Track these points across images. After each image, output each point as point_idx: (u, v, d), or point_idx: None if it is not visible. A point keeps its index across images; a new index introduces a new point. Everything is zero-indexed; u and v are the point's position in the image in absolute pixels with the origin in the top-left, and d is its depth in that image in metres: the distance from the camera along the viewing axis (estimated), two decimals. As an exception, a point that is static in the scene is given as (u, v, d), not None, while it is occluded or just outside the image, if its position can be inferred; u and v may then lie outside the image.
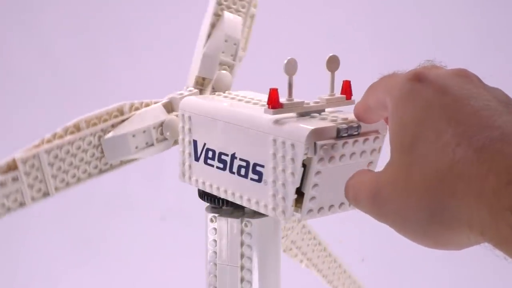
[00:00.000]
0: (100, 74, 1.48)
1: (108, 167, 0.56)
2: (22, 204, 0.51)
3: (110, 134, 0.54)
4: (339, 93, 0.48)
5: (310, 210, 0.47)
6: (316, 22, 1.47)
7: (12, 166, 0.51)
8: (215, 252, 0.55)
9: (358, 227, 1.32)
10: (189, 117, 0.53)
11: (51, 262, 1.31)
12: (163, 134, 0.56)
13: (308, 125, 0.45)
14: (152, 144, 0.55)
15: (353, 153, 0.46)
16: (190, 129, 0.53)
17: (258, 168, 0.48)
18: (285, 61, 0.45)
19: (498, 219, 0.31)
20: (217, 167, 0.51)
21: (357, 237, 1.31)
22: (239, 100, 0.54)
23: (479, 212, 0.32)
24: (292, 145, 0.45)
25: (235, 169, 0.50)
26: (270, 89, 0.46)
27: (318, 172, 0.45)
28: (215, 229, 0.55)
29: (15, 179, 0.50)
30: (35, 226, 1.39)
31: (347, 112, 0.47)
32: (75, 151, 0.53)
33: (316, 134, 0.44)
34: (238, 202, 0.51)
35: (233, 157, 0.50)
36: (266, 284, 0.55)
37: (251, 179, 0.49)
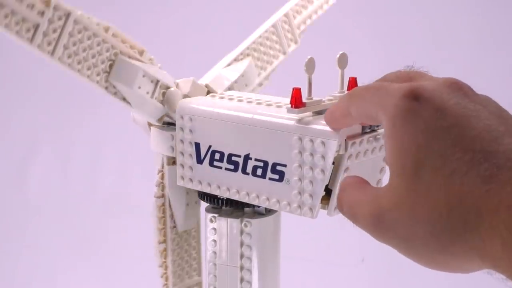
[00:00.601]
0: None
1: (105, 85, 0.53)
2: (28, 40, 0.48)
3: (125, 58, 0.52)
4: (346, 89, 0.49)
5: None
6: (316, 22, 1.46)
7: (46, 2, 0.48)
8: (215, 252, 0.55)
9: (358, 227, 1.32)
10: (190, 119, 0.52)
11: (51, 262, 1.31)
12: (162, 100, 0.54)
13: None
14: (151, 97, 0.53)
15: (374, 148, 0.48)
16: (191, 131, 0.53)
17: (278, 167, 0.49)
18: (306, 60, 0.46)
19: (511, 253, 0.30)
20: (227, 169, 0.51)
21: (357, 237, 1.31)
22: (239, 100, 0.53)
23: (492, 245, 0.31)
24: (323, 143, 0.46)
25: (249, 170, 0.50)
26: (294, 88, 0.46)
27: (346, 169, 0.47)
28: (214, 229, 0.55)
29: (40, 13, 0.47)
30: (35, 226, 1.39)
31: None
32: (94, 45, 0.51)
33: (346, 131, 0.46)
34: (254, 203, 0.51)
35: (247, 158, 0.50)
36: (265, 284, 0.55)
37: (270, 178, 0.49)
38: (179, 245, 0.58)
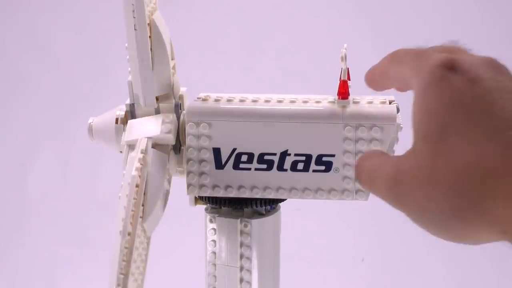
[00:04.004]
0: (100, 74, 1.48)
1: None
2: None
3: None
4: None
5: None
6: (316, 22, 1.47)
7: None
8: (214, 253, 0.55)
9: (358, 227, 1.32)
10: (208, 125, 0.50)
11: (51, 262, 1.31)
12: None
13: (390, 109, 0.50)
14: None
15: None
16: (209, 137, 0.51)
17: (325, 158, 0.50)
18: (343, 53, 0.49)
19: None
20: (257, 169, 0.51)
21: (357, 237, 1.31)
22: (254, 101, 0.52)
23: (506, 210, 0.31)
24: (381, 128, 0.49)
25: (287, 166, 0.50)
26: (341, 80, 0.49)
27: (393, 151, 0.49)
28: (214, 229, 0.55)
29: None
30: (35, 226, 1.39)
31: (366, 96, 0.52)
32: None
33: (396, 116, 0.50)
34: (295, 197, 0.51)
35: (284, 154, 0.50)
36: (265, 284, 0.55)
37: (314, 170, 0.50)
38: (140, 245, 0.48)
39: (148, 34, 0.49)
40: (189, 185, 0.52)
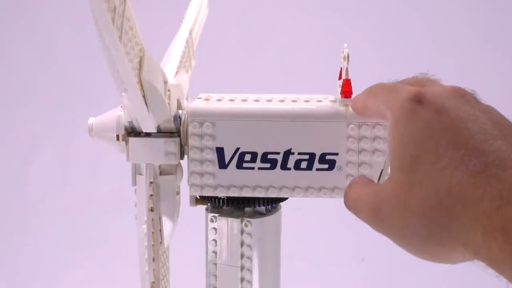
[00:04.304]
0: (100, 74, 1.48)
1: (137, 80, 0.48)
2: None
3: (149, 55, 0.48)
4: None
5: None
6: (316, 22, 1.47)
7: None
8: (215, 252, 0.55)
9: (358, 227, 1.32)
10: (212, 125, 0.50)
11: (51, 262, 1.31)
12: (168, 102, 0.51)
13: None
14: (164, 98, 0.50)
15: None
16: (212, 137, 0.51)
17: (328, 157, 0.50)
18: (346, 53, 0.50)
19: (490, 240, 0.32)
20: (261, 168, 0.51)
21: (357, 237, 1.31)
22: (256, 100, 0.52)
23: (474, 233, 0.33)
24: (384, 126, 0.49)
25: (290, 165, 0.51)
26: (344, 79, 0.50)
27: None
28: (215, 229, 0.55)
29: None
30: (35, 226, 1.39)
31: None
32: (132, 37, 0.46)
33: None
34: (298, 196, 0.51)
35: (287, 153, 0.50)
36: (266, 284, 0.55)
37: (318, 169, 0.51)
38: (164, 262, 0.56)
39: (141, 94, 0.47)
40: (192, 185, 0.52)
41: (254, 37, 1.49)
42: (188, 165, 0.52)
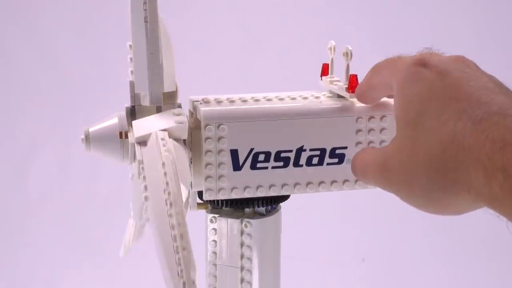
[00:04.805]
0: (100, 74, 1.48)
1: None
2: None
3: None
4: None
5: None
6: (317, 22, 1.47)
7: None
8: (215, 253, 0.55)
9: (358, 227, 1.32)
10: (225, 127, 0.50)
11: (51, 262, 1.31)
12: None
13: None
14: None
15: None
16: (226, 139, 0.50)
17: (338, 151, 0.52)
18: (347, 50, 0.52)
19: (491, 179, 0.34)
20: (274, 167, 0.51)
21: (357, 237, 1.31)
22: (268, 99, 0.53)
23: (476, 175, 0.35)
24: (391, 117, 0.51)
25: (302, 162, 0.52)
26: (351, 75, 0.51)
27: None
28: (215, 229, 0.55)
29: None
30: (35, 226, 1.39)
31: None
32: None
33: None
34: (311, 192, 0.52)
35: (300, 150, 0.51)
36: (266, 284, 0.55)
37: (328, 164, 0.52)
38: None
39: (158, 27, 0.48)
40: (207, 190, 0.51)
41: (253, 37, 1.49)
42: (203, 170, 0.51)
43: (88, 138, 0.51)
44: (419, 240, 1.32)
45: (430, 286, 1.27)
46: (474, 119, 0.36)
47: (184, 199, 0.44)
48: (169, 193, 0.42)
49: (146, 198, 0.44)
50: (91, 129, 0.52)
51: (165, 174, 0.43)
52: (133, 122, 0.49)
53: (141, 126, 0.48)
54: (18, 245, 1.35)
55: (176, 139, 0.48)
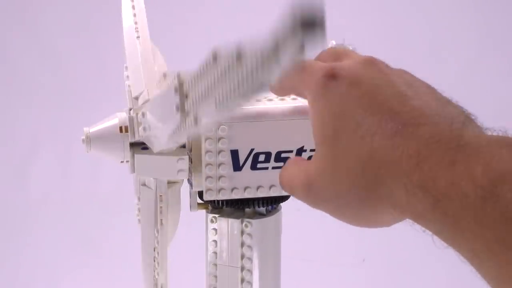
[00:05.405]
0: (101, 74, 1.48)
1: None
2: None
3: None
4: None
5: None
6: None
7: None
8: (215, 253, 0.55)
9: (358, 228, 1.32)
10: (227, 127, 0.50)
11: (52, 262, 1.32)
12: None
13: None
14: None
15: None
16: (227, 139, 0.50)
17: None
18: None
19: (412, 197, 0.34)
20: (275, 168, 0.51)
21: (358, 237, 1.31)
22: (269, 100, 0.52)
23: (398, 193, 0.35)
24: None
25: None
26: None
27: None
28: (215, 229, 0.55)
29: None
30: (36, 226, 1.39)
31: None
32: None
33: None
34: None
35: (300, 151, 0.51)
36: (266, 284, 0.55)
37: None
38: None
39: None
40: (207, 190, 0.51)
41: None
42: (203, 170, 0.51)
43: (88, 139, 0.52)
44: (419, 240, 1.32)
45: (431, 287, 1.27)
46: (389, 134, 0.35)
47: (169, 237, 0.53)
48: (157, 230, 0.51)
49: (138, 221, 0.54)
50: (91, 130, 0.52)
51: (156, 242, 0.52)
52: (136, 158, 0.51)
53: (143, 167, 0.51)
54: (19, 245, 1.35)
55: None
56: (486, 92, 1.33)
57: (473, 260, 0.33)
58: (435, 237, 0.34)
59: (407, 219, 0.36)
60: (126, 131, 0.51)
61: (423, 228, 0.35)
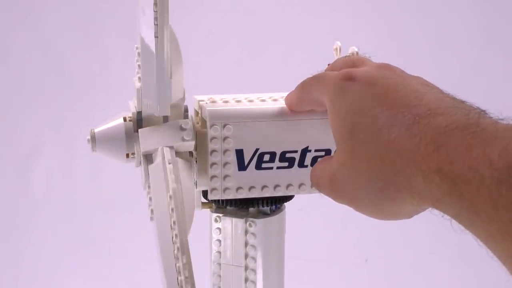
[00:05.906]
0: (104, 74, 1.48)
1: None
2: None
3: None
4: None
5: None
6: (322, 22, 1.47)
7: None
8: (219, 252, 0.55)
9: (361, 228, 1.32)
10: (232, 127, 0.50)
11: (55, 261, 1.32)
12: None
13: None
14: None
15: None
16: (232, 139, 0.50)
17: None
18: (353, 50, 0.52)
19: (430, 183, 0.34)
20: (279, 167, 0.51)
21: (360, 238, 1.31)
22: (274, 100, 0.53)
23: (415, 180, 0.35)
24: None
25: (307, 162, 0.52)
26: None
27: None
28: (219, 229, 0.55)
29: None
30: (38, 225, 1.39)
31: None
32: None
33: None
34: (316, 192, 0.51)
35: (305, 151, 0.51)
36: (270, 284, 0.56)
37: None
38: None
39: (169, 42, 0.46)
40: (212, 190, 0.51)
41: (259, 37, 1.49)
42: (208, 169, 0.51)
43: (94, 139, 0.52)
44: (422, 240, 1.32)
45: (433, 286, 1.27)
46: (407, 124, 0.36)
47: (189, 225, 0.46)
48: (174, 222, 0.43)
49: (151, 218, 0.49)
50: (96, 130, 0.52)
51: (172, 209, 0.44)
52: (140, 131, 0.50)
53: (148, 139, 0.49)
54: (21, 245, 1.36)
55: (182, 154, 0.50)
56: (488, 93, 1.33)
57: (489, 242, 0.33)
58: (453, 222, 0.35)
59: (424, 210, 0.38)
60: (135, 130, 0.51)
61: (442, 214, 0.35)
